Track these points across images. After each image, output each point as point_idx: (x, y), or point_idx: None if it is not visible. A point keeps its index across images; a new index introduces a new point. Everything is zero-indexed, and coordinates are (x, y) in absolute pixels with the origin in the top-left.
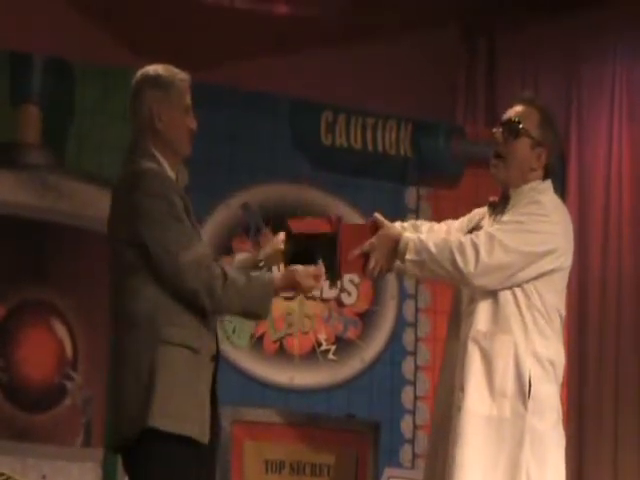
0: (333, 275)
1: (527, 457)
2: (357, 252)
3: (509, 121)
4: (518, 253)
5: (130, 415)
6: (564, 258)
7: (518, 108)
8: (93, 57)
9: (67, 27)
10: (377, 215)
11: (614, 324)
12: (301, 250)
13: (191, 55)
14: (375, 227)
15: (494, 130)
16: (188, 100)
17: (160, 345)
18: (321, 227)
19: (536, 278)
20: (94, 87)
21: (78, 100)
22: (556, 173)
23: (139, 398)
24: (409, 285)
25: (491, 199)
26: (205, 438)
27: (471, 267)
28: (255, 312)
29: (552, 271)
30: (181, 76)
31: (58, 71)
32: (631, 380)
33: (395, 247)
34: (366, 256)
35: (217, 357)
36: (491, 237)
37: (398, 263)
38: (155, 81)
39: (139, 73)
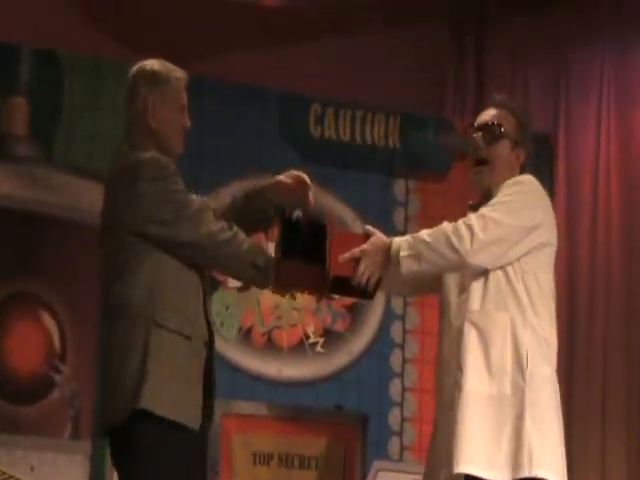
0: (322, 288)
1: (528, 429)
2: (347, 256)
3: (488, 125)
4: (511, 227)
5: (121, 397)
6: (551, 234)
7: (492, 112)
8: (81, 49)
9: (55, 19)
10: (369, 227)
11: (603, 312)
12: (297, 239)
13: (179, 47)
14: (367, 238)
15: (474, 135)
16: (184, 98)
17: (154, 329)
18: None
19: (527, 253)
20: (82, 79)
21: (66, 92)
22: (530, 164)
23: (131, 380)
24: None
25: (470, 202)
26: (195, 425)
27: (467, 245)
28: (257, 263)
29: (541, 245)
30: (178, 74)
31: (46, 63)
32: (619, 366)
33: (387, 254)
34: (357, 263)
35: (211, 344)
36: (482, 216)
37: (393, 268)
38: (151, 77)
39: (135, 67)
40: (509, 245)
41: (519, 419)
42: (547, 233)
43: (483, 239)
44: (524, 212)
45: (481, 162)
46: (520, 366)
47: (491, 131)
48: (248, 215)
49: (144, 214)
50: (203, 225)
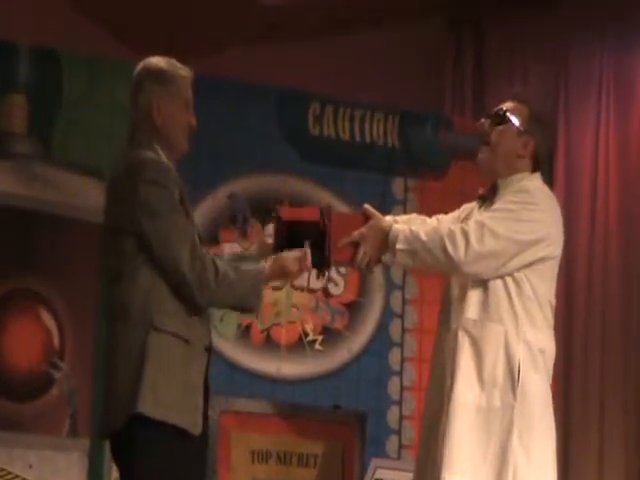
0: (322, 264)
1: (515, 446)
2: (346, 241)
3: (495, 112)
4: (508, 241)
5: (119, 401)
6: (554, 247)
7: (508, 103)
8: (80, 46)
9: (54, 16)
10: (367, 206)
11: (600, 316)
12: (290, 238)
13: (178, 44)
14: (366, 218)
15: (482, 120)
16: (189, 96)
17: (152, 332)
18: (311, 216)
19: (527, 266)
20: (81, 76)
21: (65, 89)
22: (545, 169)
23: (128, 384)
24: (396, 276)
25: (480, 191)
26: (196, 429)
27: (461, 254)
28: (247, 307)
29: (542, 259)
30: (183, 72)
31: (45, 60)
32: (616, 371)
33: (385, 238)
34: (355, 246)
35: (210, 348)
36: (481, 225)
37: (388, 256)
38: (156, 75)
39: (141, 65)
40: (505, 259)
41: (507, 435)
42: (549, 247)
43: (478, 250)
44: (525, 225)
45: (486, 144)
46: (512, 381)
47: (496, 116)
48: None
49: (140, 219)
50: (183, 254)
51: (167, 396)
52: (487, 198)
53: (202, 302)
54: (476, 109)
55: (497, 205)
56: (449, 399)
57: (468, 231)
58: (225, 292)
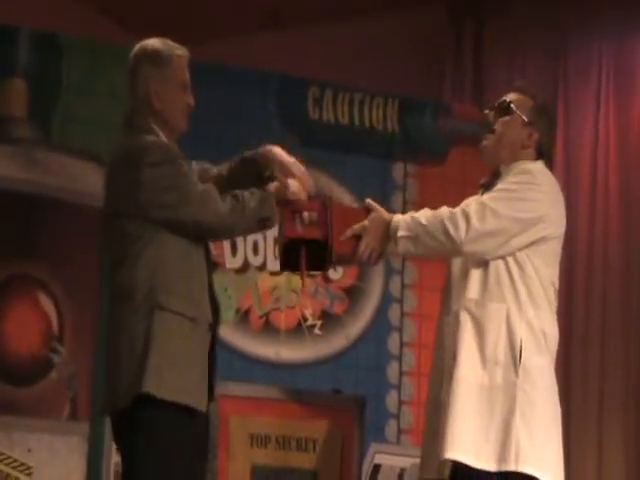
0: (324, 262)
1: (517, 425)
2: (349, 234)
3: (500, 102)
4: (509, 219)
5: (124, 382)
6: (555, 227)
7: (512, 95)
8: (79, 31)
9: (53, 1)
10: (369, 200)
11: (600, 300)
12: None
13: (178, 30)
14: (367, 212)
15: (486, 111)
16: (186, 76)
17: (157, 311)
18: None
19: (528, 246)
20: (81, 61)
21: (65, 74)
22: (547, 160)
23: (134, 364)
24: (395, 261)
25: (482, 181)
26: (201, 406)
27: (462, 234)
28: (264, 216)
29: (543, 239)
30: (179, 52)
31: (45, 45)
32: (616, 362)
33: (387, 229)
34: (357, 239)
35: (215, 326)
36: (482, 204)
37: (391, 245)
38: (153, 57)
39: (137, 47)
40: (506, 237)
41: (509, 413)
42: (551, 227)
43: (479, 229)
44: (526, 204)
45: (491, 133)
46: (514, 359)
47: (501, 107)
48: (243, 180)
49: (148, 200)
50: (209, 205)
51: (172, 375)
52: (489, 185)
53: (239, 232)
54: (475, 97)
55: (498, 186)
56: (451, 377)
57: (469, 211)
58: (248, 211)
